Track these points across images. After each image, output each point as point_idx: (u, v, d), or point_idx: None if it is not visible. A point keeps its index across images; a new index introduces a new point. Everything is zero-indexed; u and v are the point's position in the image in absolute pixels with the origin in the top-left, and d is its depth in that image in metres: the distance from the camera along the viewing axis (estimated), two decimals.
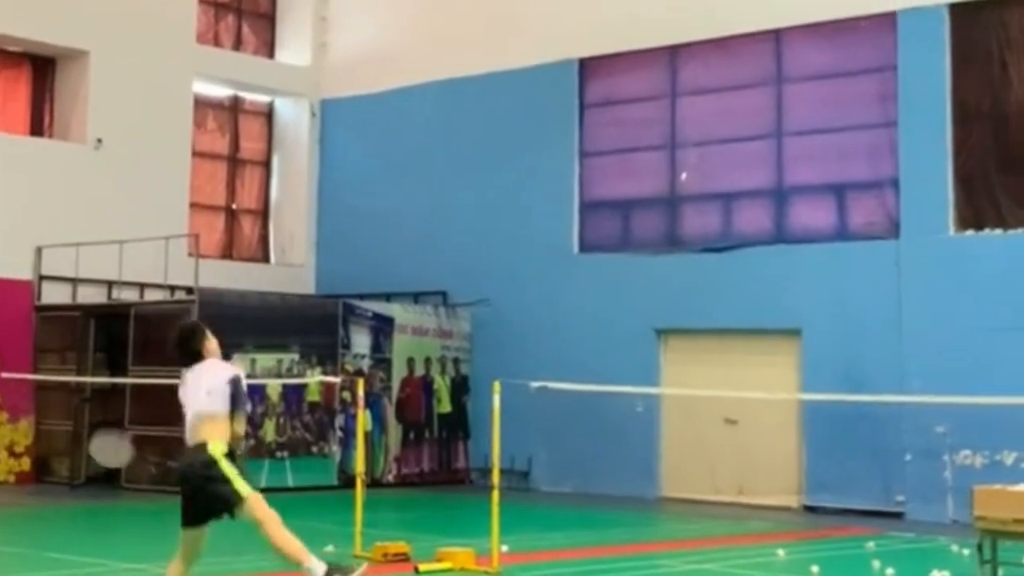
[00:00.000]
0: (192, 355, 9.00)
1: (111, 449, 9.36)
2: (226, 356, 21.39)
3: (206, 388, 8.77)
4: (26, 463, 21.72)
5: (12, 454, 21.59)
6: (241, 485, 8.60)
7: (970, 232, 19.11)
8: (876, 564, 13.41)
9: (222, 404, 8.72)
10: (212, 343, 9.00)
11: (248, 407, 8.91)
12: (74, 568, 12.69)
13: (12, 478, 21.43)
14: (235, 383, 8.78)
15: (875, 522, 17.99)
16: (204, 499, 8.67)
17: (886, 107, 19.93)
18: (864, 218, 20.10)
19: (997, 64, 19.16)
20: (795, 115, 20.90)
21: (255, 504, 8.65)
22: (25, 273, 22.22)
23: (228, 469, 8.57)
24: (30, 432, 21.83)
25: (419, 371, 23.15)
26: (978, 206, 19.17)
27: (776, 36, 21.09)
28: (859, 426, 18.92)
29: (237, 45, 26.57)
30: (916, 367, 18.77)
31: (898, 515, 18.72)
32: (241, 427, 8.77)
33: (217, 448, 8.62)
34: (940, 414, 18.07)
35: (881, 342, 19.26)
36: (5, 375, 20.01)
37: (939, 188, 19.24)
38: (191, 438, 8.78)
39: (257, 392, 20.73)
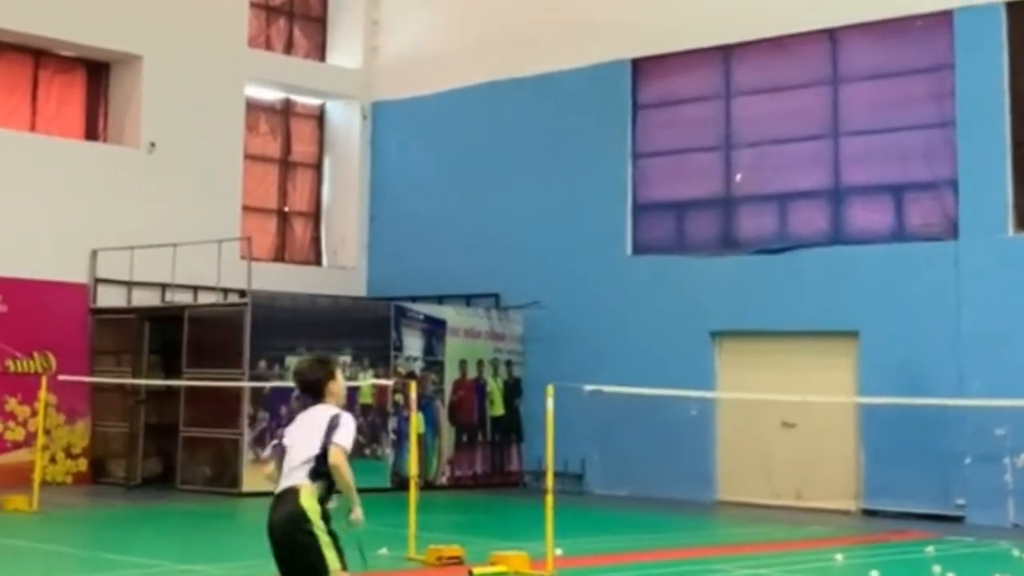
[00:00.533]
0: (314, 393, 7.88)
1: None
2: (279, 360, 21.60)
3: (308, 453, 7.66)
4: (83, 464, 21.86)
5: (69, 455, 21.73)
6: (331, 556, 7.59)
7: None
8: (936, 569, 13.21)
9: (318, 447, 7.64)
10: (337, 385, 7.92)
11: (346, 441, 7.63)
12: (130, 569, 12.72)
13: (69, 479, 21.57)
14: (335, 417, 7.70)
15: (935, 526, 17.76)
16: (289, 555, 7.65)
17: (943, 106, 19.69)
18: (922, 219, 19.87)
19: None
20: (851, 115, 20.69)
21: None
22: (81, 276, 22.37)
23: (320, 530, 7.56)
24: (87, 434, 21.97)
25: (471, 374, 23.11)
26: None
27: (831, 35, 20.90)
28: (917, 429, 18.68)
29: (288, 48, 26.63)
30: (975, 369, 18.53)
31: (958, 519, 18.47)
32: (335, 457, 7.56)
33: (309, 500, 7.58)
34: (1000, 416, 17.83)
35: (939, 344, 19.02)
36: (62, 377, 20.14)
37: (998, 188, 19.00)
38: (282, 483, 7.74)
39: None
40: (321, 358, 8.10)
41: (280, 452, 7.81)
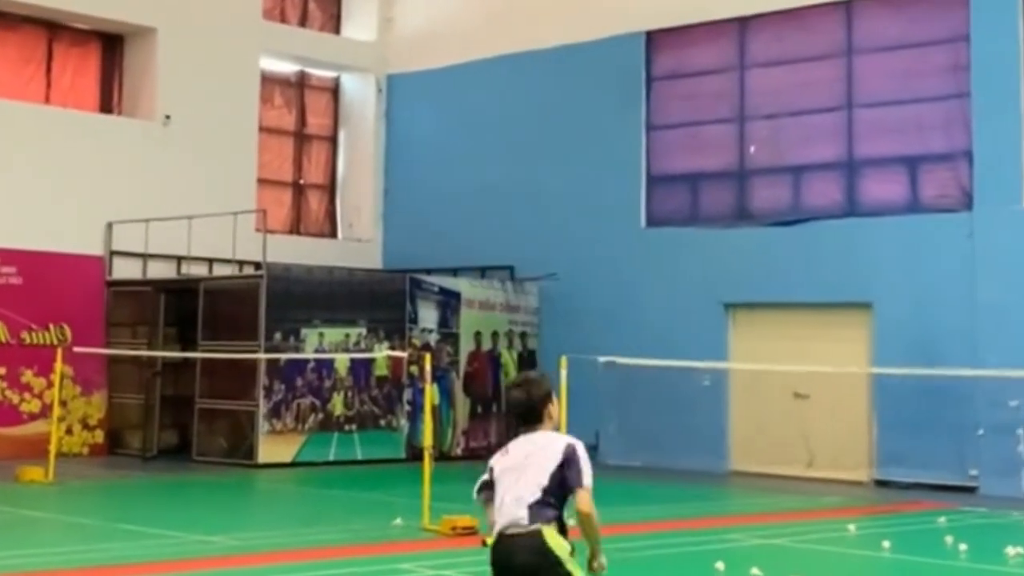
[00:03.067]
0: (532, 419, 6.63)
1: None
2: (295, 331, 21.71)
3: (532, 485, 6.43)
4: (99, 436, 21.99)
5: (86, 427, 21.86)
6: None
7: None
8: (949, 539, 13.26)
9: (549, 501, 6.43)
10: (555, 408, 6.73)
11: (589, 480, 6.41)
12: (147, 539, 12.83)
13: (86, 450, 21.71)
14: (569, 455, 6.46)
15: (948, 497, 17.80)
16: None
17: (958, 78, 19.63)
18: (937, 190, 19.84)
19: None
20: (866, 87, 20.64)
21: None
22: (96, 249, 22.46)
23: (572, 564, 6.38)
24: (103, 405, 22.09)
25: (486, 345, 23.17)
26: None
27: (847, 7, 20.84)
28: (931, 400, 18.71)
29: (303, 21, 26.62)
30: (989, 340, 18.52)
31: (971, 490, 18.50)
32: (585, 503, 6.38)
33: (555, 540, 6.37)
34: (1014, 387, 17.84)
35: (954, 315, 19.02)
36: (77, 349, 20.25)
37: (1013, 160, 18.95)
38: (513, 528, 6.43)
39: (325, 366, 20.87)
40: (535, 379, 6.80)
41: (490, 488, 6.63)
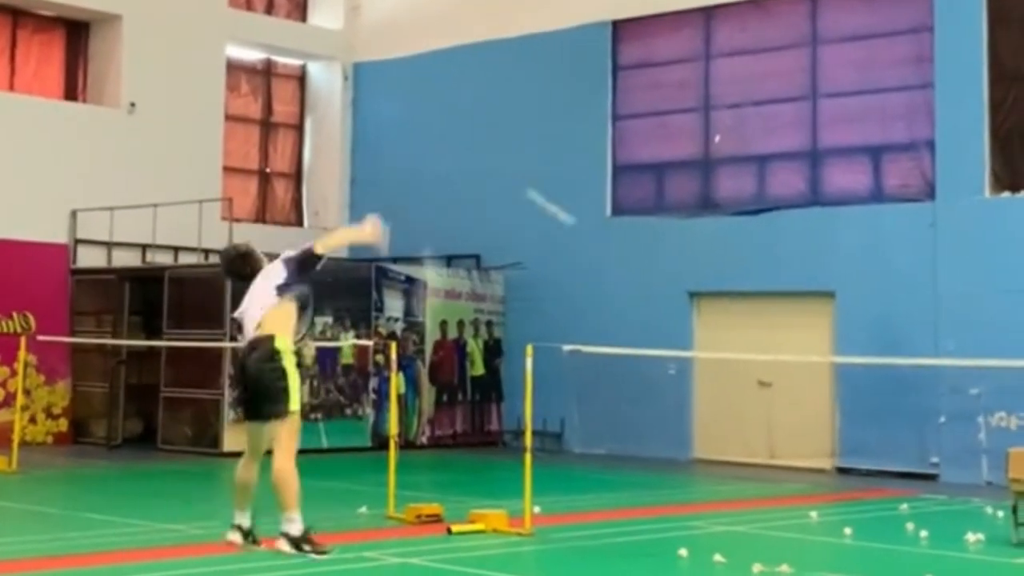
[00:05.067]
0: (249, 277, 8.96)
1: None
2: None
3: (270, 288, 8.72)
4: (63, 424, 21.92)
5: (50, 415, 21.78)
6: (294, 397, 8.47)
7: (1006, 194, 18.98)
8: (910, 526, 13.39)
9: (288, 296, 8.70)
10: (264, 261, 9.03)
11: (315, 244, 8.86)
12: (112, 528, 12.80)
13: (50, 439, 21.64)
14: (286, 258, 8.88)
15: (909, 484, 17.96)
16: (262, 391, 8.56)
17: (922, 68, 19.78)
18: (899, 180, 19.99)
19: None
20: (830, 77, 20.76)
21: (292, 426, 8.55)
22: (60, 237, 22.37)
23: (291, 370, 8.44)
24: (67, 394, 22.02)
25: (452, 334, 23.20)
26: (1014, 168, 19.05)
27: None
28: (893, 388, 18.86)
29: (269, 9, 26.55)
30: (951, 329, 18.69)
31: (932, 477, 18.68)
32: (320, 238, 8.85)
33: (283, 342, 8.50)
34: (975, 376, 17.98)
35: (916, 304, 19.18)
36: (41, 338, 20.16)
37: (975, 150, 19.11)
38: (253, 331, 8.66)
39: None
40: (235, 253, 9.13)
41: (239, 324, 8.83)
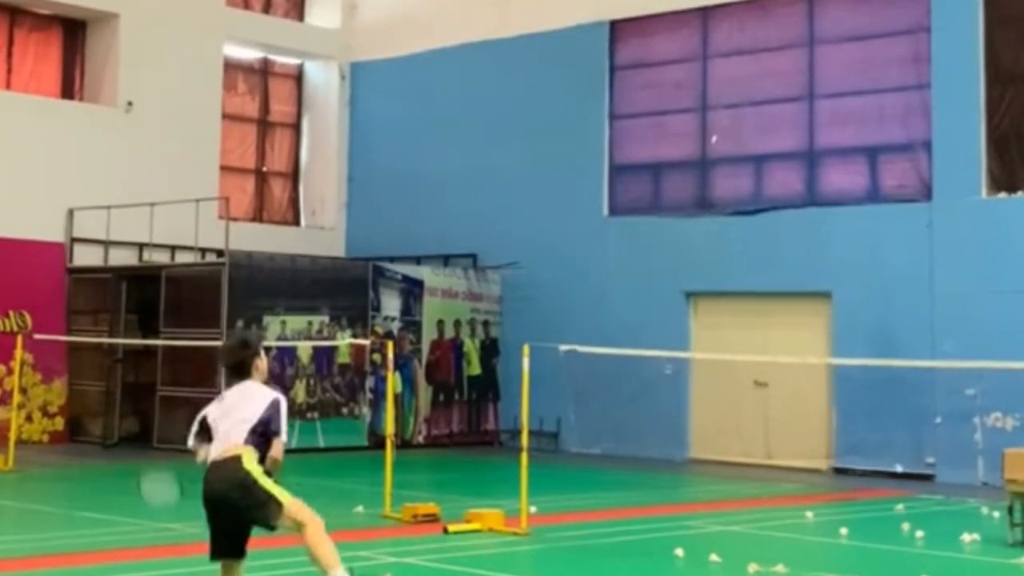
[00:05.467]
0: (241, 372, 7.92)
1: (159, 489, 7.99)
2: (257, 319, 21.70)
3: (244, 416, 7.74)
4: (59, 423, 21.91)
5: (46, 414, 21.78)
6: (280, 493, 7.70)
7: (1002, 195, 19.00)
8: (905, 526, 13.42)
9: (257, 438, 7.73)
10: (263, 363, 8.00)
11: (285, 432, 7.79)
12: (107, 527, 12.81)
13: (46, 438, 21.63)
14: (275, 406, 7.77)
15: (905, 484, 17.98)
16: (246, 516, 7.72)
17: (919, 69, 19.79)
18: (896, 181, 20.00)
19: None
20: (827, 77, 20.77)
21: (297, 509, 7.75)
22: (57, 235, 22.36)
23: (266, 483, 7.64)
24: (63, 393, 22.01)
25: (449, 334, 23.20)
26: (1011, 169, 19.06)
27: None
28: (889, 389, 18.87)
29: (267, 8, 26.55)
30: (947, 330, 18.71)
31: (928, 477, 18.70)
32: (279, 451, 7.75)
33: (251, 462, 7.63)
34: (971, 377, 18.01)
35: (912, 305, 19.20)
36: (38, 336, 20.16)
37: (972, 150, 19.12)
38: (220, 455, 7.71)
39: (288, 354, 20.86)
40: (239, 340, 8.20)
41: (207, 432, 7.82)
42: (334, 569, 7.68)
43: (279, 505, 7.65)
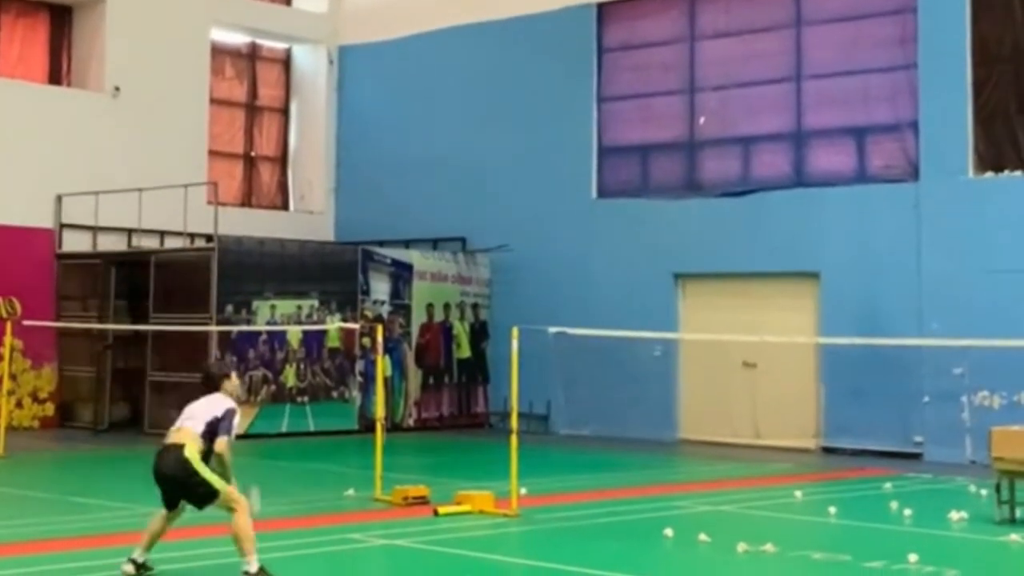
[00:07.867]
0: (211, 386, 9.69)
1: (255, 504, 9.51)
2: (246, 304, 21.71)
3: (202, 416, 9.38)
4: (50, 409, 21.92)
5: (36, 400, 21.78)
6: (216, 481, 9.21)
7: (989, 174, 19.05)
8: (894, 505, 13.50)
9: (206, 433, 9.31)
10: (232, 384, 9.78)
11: (231, 436, 9.37)
12: (97, 512, 12.85)
13: (36, 423, 21.64)
14: (229, 414, 9.37)
15: (893, 463, 18.06)
16: (183, 495, 9.41)
17: (906, 49, 19.82)
18: (883, 161, 20.05)
19: (1018, 5, 19.03)
20: (814, 58, 20.80)
21: (230, 494, 9.24)
22: (46, 221, 22.34)
23: (203, 470, 9.18)
24: (53, 378, 22.01)
25: (438, 317, 23.24)
26: (998, 148, 19.10)
27: None
28: (877, 368, 18.94)
29: None
30: (934, 309, 18.78)
31: (916, 456, 18.78)
32: (221, 447, 9.25)
33: (192, 451, 9.19)
34: (958, 355, 18.08)
35: (900, 284, 19.27)
36: (27, 322, 20.16)
37: (959, 130, 19.17)
38: (170, 441, 9.38)
39: (277, 338, 20.88)
40: (212, 370, 9.99)
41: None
42: (251, 555, 9.07)
43: (213, 491, 9.20)
